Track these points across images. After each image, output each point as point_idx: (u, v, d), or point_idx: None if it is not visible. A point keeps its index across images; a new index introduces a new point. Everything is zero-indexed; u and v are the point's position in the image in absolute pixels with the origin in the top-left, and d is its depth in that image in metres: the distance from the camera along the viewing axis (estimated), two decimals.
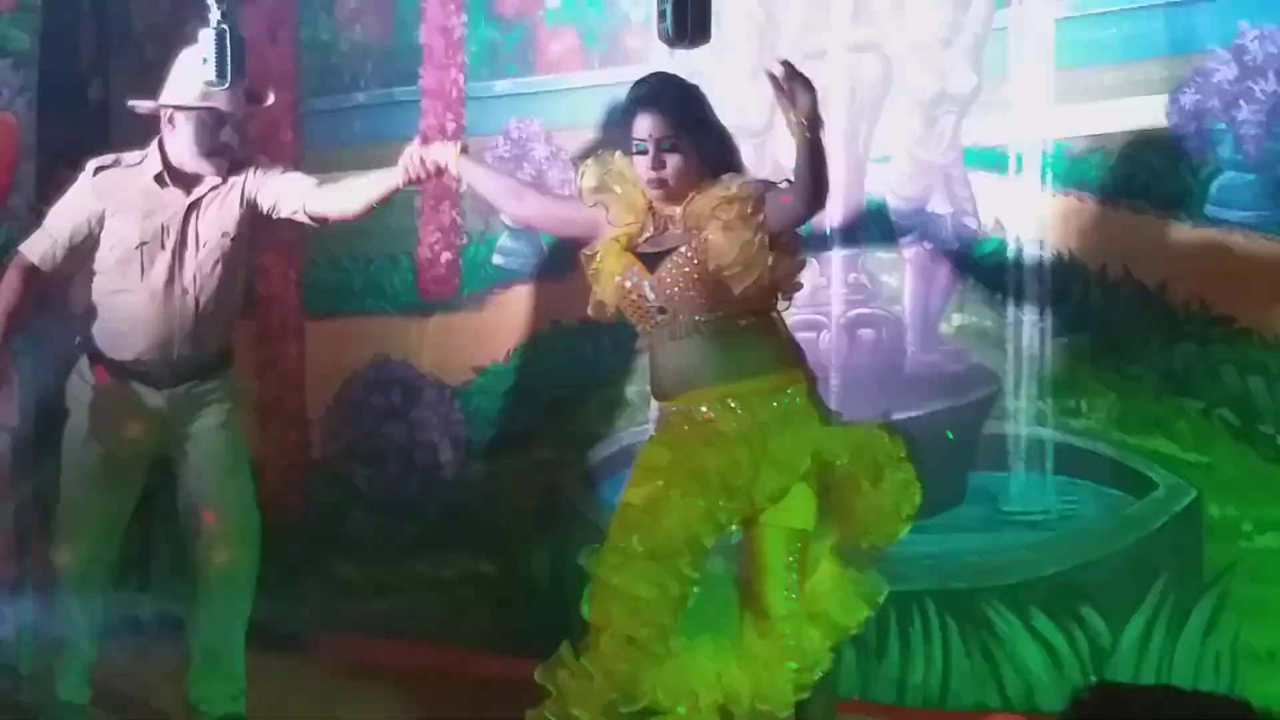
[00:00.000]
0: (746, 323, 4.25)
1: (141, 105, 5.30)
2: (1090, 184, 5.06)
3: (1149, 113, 4.96)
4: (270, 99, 5.40)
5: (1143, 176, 4.97)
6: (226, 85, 5.13)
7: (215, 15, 5.40)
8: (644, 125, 4.27)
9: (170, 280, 5.16)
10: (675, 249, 4.25)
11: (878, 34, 5.44)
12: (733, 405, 4.21)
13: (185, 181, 5.22)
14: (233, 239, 5.21)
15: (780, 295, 4.33)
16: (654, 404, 4.52)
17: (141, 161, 5.23)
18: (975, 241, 5.28)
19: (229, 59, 5.53)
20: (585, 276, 4.41)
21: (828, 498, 4.28)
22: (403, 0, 6.51)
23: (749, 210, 4.17)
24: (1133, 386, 5.00)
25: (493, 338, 6.17)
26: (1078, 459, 5.10)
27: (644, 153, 4.26)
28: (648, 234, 4.36)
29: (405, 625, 6.32)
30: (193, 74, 5.13)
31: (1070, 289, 5.11)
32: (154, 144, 5.24)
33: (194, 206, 5.20)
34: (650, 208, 4.36)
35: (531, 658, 4.28)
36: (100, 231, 5.20)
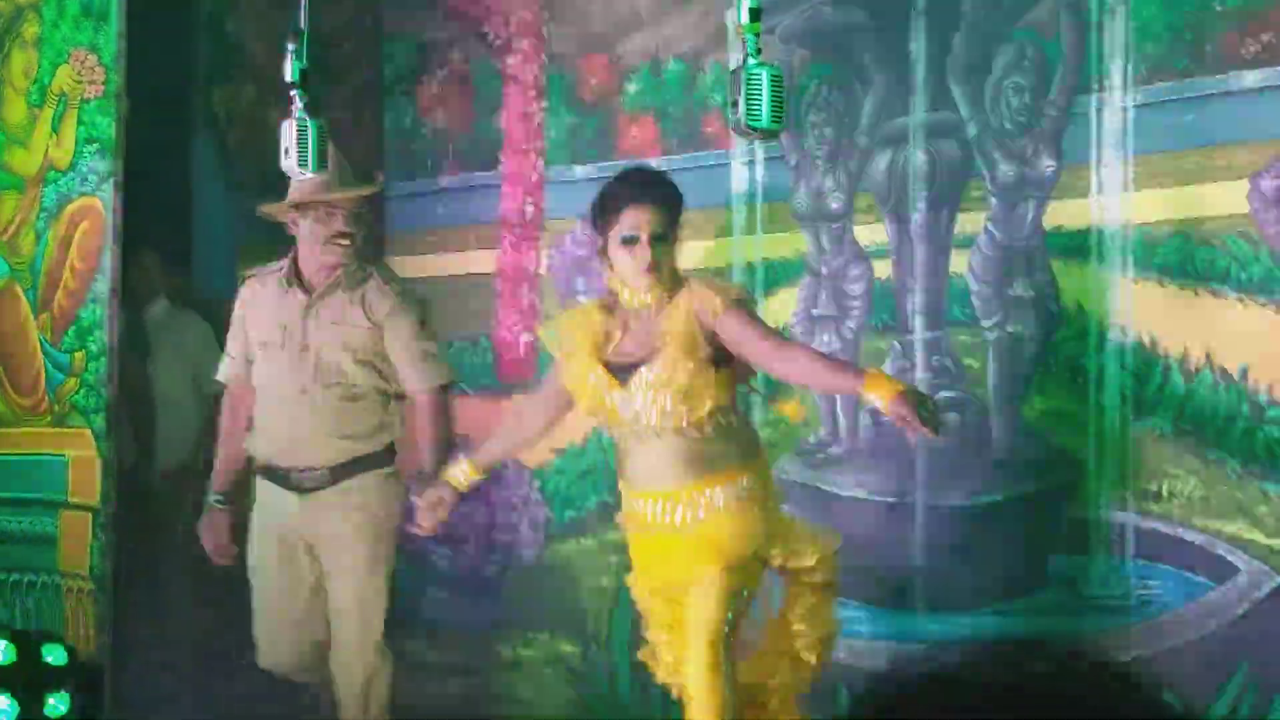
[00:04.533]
0: (710, 428, 4.45)
1: (266, 209, 5.42)
2: (1171, 269, 5.06)
3: (1229, 198, 4.96)
4: (380, 180, 5.47)
5: (1223, 261, 4.97)
6: (308, 174, 5.23)
7: (298, 105, 5.51)
8: (636, 218, 4.43)
9: (291, 381, 5.27)
10: (641, 364, 4.44)
11: (957, 118, 5.48)
12: (688, 501, 4.44)
13: (309, 282, 5.31)
14: (356, 355, 5.28)
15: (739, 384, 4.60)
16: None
17: (280, 268, 5.35)
18: (1057, 326, 5.29)
19: (310, 148, 5.63)
20: None
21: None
22: (483, 86, 6.60)
23: (699, 342, 4.41)
24: (1214, 471, 4.98)
25: (570, 420, 6.19)
26: (1159, 543, 5.08)
27: (633, 243, 4.41)
28: (613, 343, 4.52)
29: (487, 706, 6.33)
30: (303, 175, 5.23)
31: (1151, 373, 5.10)
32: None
33: (309, 306, 5.28)
34: (610, 317, 4.54)
35: None
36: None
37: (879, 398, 4.28)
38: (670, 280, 4.48)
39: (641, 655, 4.77)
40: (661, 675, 4.70)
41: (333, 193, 5.26)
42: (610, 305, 4.56)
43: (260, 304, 5.37)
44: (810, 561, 4.56)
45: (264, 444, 5.33)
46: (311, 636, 5.30)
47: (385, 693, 5.29)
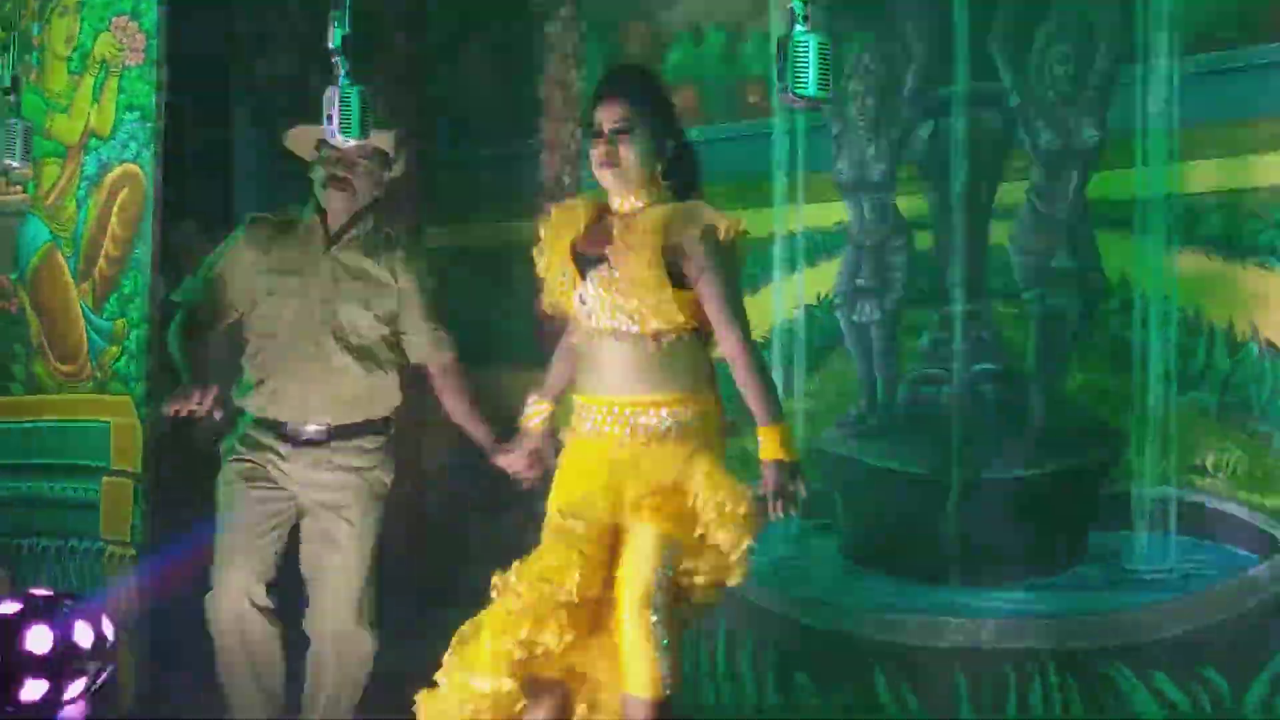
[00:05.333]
0: (657, 345, 4.31)
1: (292, 134, 5.43)
2: (1216, 241, 5.01)
3: (1275, 169, 4.91)
4: (396, 135, 5.41)
5: (1270, 233, 4.92)
6: (352, 141, 5.22)
7: (341, 72, 5.50)
8: (600, 112, 4.35)
9: (306, 333, 5.25)
10: (603, 259, 4.32)
11: (1000, 88, 5.43)
12: (627, 418, 4.30)
13: (331, 229, 5.30)
14: (385, 330, 5.30)
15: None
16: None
17: (293, 218, 5.36)
18: (1100, 298, 5.24)
19: (354, 115, 5.63)
20: None
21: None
22: (523, 55, 6.58)
23: (657, 256, 4.25)
24: (1259, 445, 4.93)
25: None
26: (1202, 518, 5.03)
27: (596, 137, 4.34)
28: (589, 236, 4.41)
29: None
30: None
31: (1196, 346, 5.05)
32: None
33: (334, 256, 5.26)
34: (595, 214, 4.44)
35: None
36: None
37: (765, 451, 4.25)
38: (650, 183, 4.36)
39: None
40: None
41: (338, 138, 5.22)
42: (603, 206, 4.47)
43: (277, 245, 5.30)
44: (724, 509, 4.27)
45: (263, 397, 5.28)
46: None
47: (359, 662, 5.26)
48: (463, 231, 6.79)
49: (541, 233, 4.51)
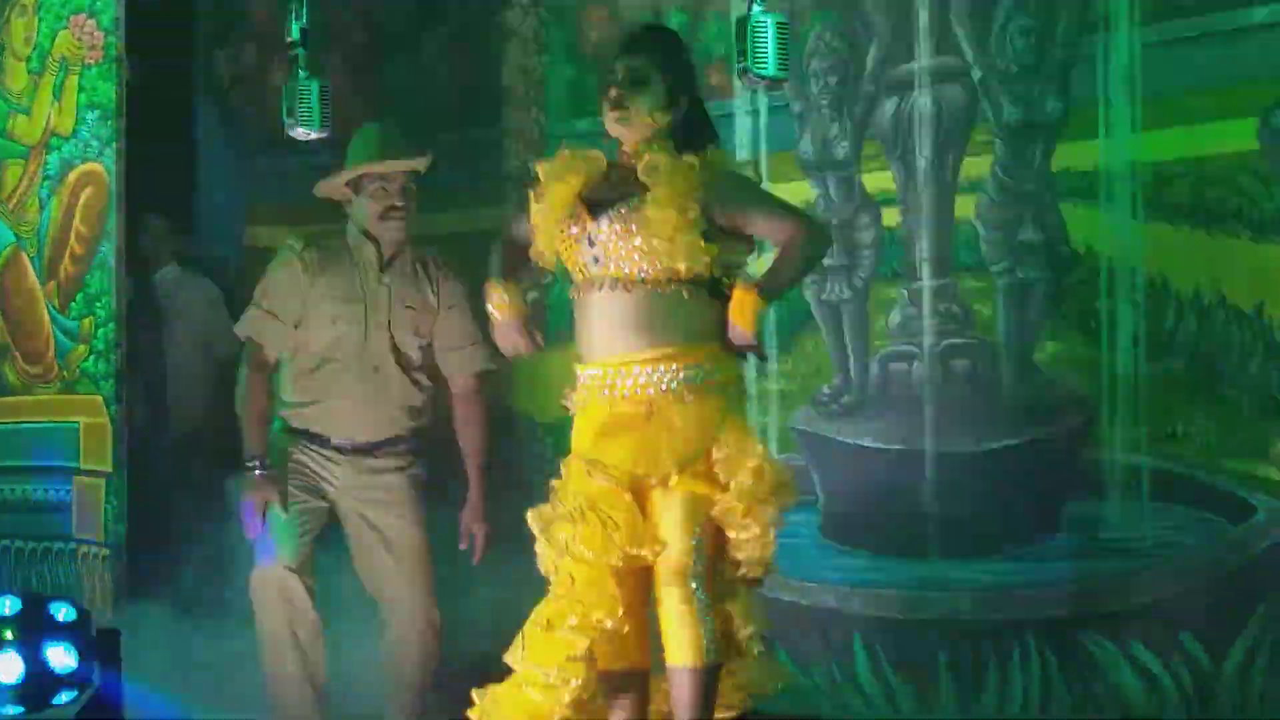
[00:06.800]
0: (673, 290, 4.13)
1: (323, 186, 5.39)
2: (1182, 209, 5.03)
3: (1239, 136, 4.93)
4: (429, 156, 5.39)
5: (1234, 200, 4.94)
6: (314, 134, 5.23)
7: (299, 64, 5.50)
8: (618, 64, 4.24)
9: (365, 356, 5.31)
10: (619, 200, 4.17)
11: (962, 62, 5.44)
12: (638, 373, 4.12)
13: (380, 254, 5.33)
14: (421, 335, 5.37)
15: (726, 275, 4.22)
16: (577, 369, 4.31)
17: (341, 241, 5.35)
18: (1067, 269, 5.26)
19: (313, 107, 5.64)
20: None
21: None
22: (483, 43, 6.57)
23: (691, 197, 4.12)
24: (1229, 411, 4.96)
25: None
26: (1174, 485, 5.06)
27: (612, 86, 4.22)
28: (603, 182, 4.25)
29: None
30: (359, 149, 5.28)
31: (1164, 314, 5.08)
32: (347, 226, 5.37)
33: (388, 285, 5.32)
34: (603, 165, 4.27)
35: None
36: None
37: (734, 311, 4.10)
38: (659, 136, 4.21)
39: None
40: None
41: (386, 164, 5.25)
42: (609, 162, 4.30)
43: (329, 273, 5.30)
44: (746, 473, 4.14)
45: (316, 413, 5.33)
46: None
47: (437, 649, 5.34)
48: (426, 220, 6.76)
49: (541, 175, 4.31)
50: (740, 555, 4.18)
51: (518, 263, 4.42)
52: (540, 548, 4.20)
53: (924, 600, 5.46)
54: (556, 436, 6.26)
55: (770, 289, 4.15)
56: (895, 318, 5.57)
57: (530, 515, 4.24)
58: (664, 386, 4.12)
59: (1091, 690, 5.16)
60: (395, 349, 5.32)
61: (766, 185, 5.70)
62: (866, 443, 5.64)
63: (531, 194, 4.32)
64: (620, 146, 4.28)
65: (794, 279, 4.32)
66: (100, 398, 6.49)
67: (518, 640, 4.19)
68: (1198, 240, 5.01)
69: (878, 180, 5.63)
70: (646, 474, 4.12)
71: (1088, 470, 5.21)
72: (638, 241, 4.11)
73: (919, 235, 5.52)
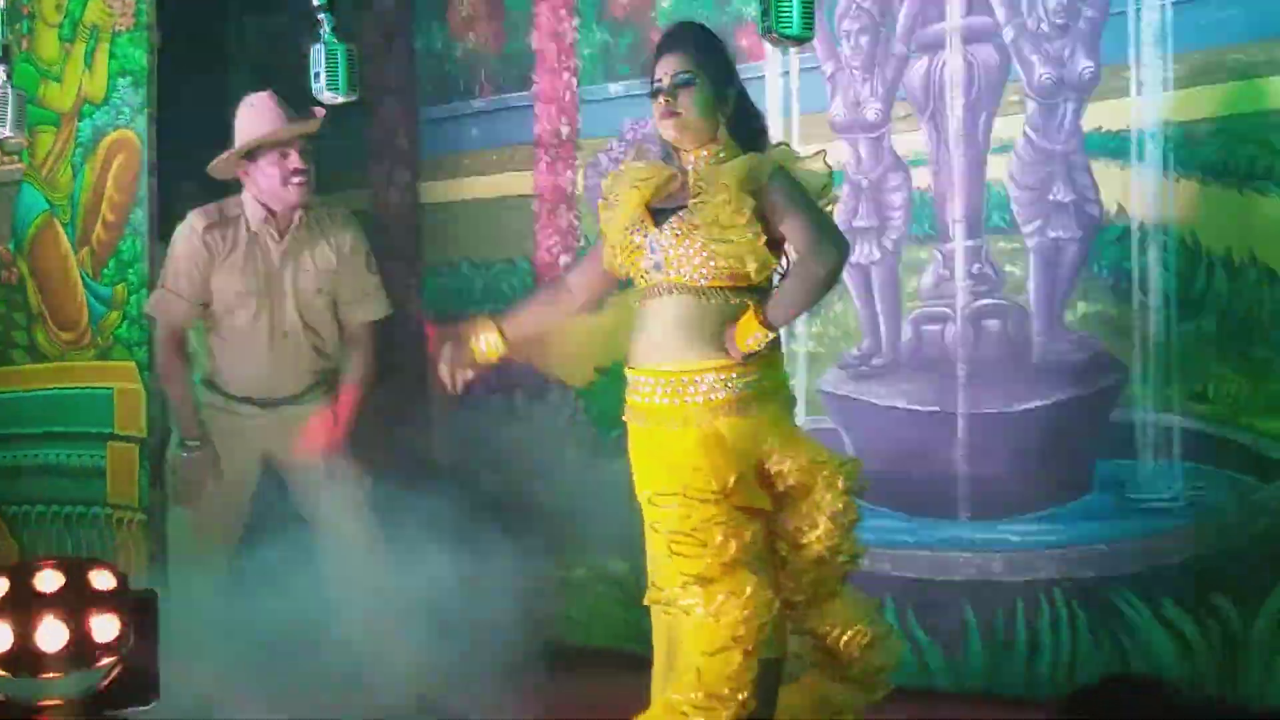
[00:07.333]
0: (728, 297, 4.13)
1: (216, 165, 5.51)
2: (1213, 167, 5.02)
3: (1271, 94, 4.91)
4: (320, 113, 5.49)
5: (1265, 158, 4.93)
6: (341, 98, 5.29)
7: (326, 29, 5.51)
8: (661, 67, 4.23)
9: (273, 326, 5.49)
10: (680, 206, 4.18)
11: (993, 22, 5.43)
12: (687, 382, 4.11)
13: (280, 225, 5.46)
14: (325, 293, 5.54)
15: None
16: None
17: (237, 214, 5.46)
18: (1098, 229, 5.25)
19: (340, 71, 5.65)
20: None
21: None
22: (514, 6, 6.58)
23: (744, 196, 4.10)
24: (1260, 370, 4.95)
25: (613, 337, 6.19)
26: (1205, 444, 5.05)
27: (657, 93, 4.21)
28: (666, 191, 4.25)
29: (538, 627, 6.35)
30: (252, 120, 5.40)
31: (1195, 274, 5.07)
32: (242, 196, 5.48)
33: (287, 253, 5.46)
34: (668, 173, 4.26)
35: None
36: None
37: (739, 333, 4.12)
38: (715, 133, 4.21)
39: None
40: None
41: (281, 132, 5.36)
42: (673, 170, 4.29)
43: (229, 251, 5.44)
44: (824, 485, 4.16)
45: (232, 381, 5.54)
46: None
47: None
48: (456, 186, 6.80)
49: (609, 185, 4.35)
50: (828, 555, 4.18)
51: (541, 317, 4.56)
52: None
53: (954, 561, 5.48)
54: (587, 400, 6.31)
55: (775, 322, 4.12)
56: (928, 279, 5.57)
57: (659, 583, 4.12)
58: (716, 395, 4.11)
59: (1122, 650, 5.16)
60: (302, 315, 5.50)
61: (798, 146, 5.77)
62: (899, 404, 5.64)
63: (600, 204, 4.37)
64: (677, 151, 4.27)
65: (801, 308, 4.27)
66: (134, 364, 6.52)
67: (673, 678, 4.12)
68: (1229, 199, 4.99)
69: (909, 141, 5.63)
70: (716, 488, 4.05)
71: (1118, 430, 5.20)
72: (698, 244, 4.11)
73: (950, 196, 5.52)
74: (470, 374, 4.51)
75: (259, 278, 5.44)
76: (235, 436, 5.51)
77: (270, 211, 5.42)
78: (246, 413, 5.52)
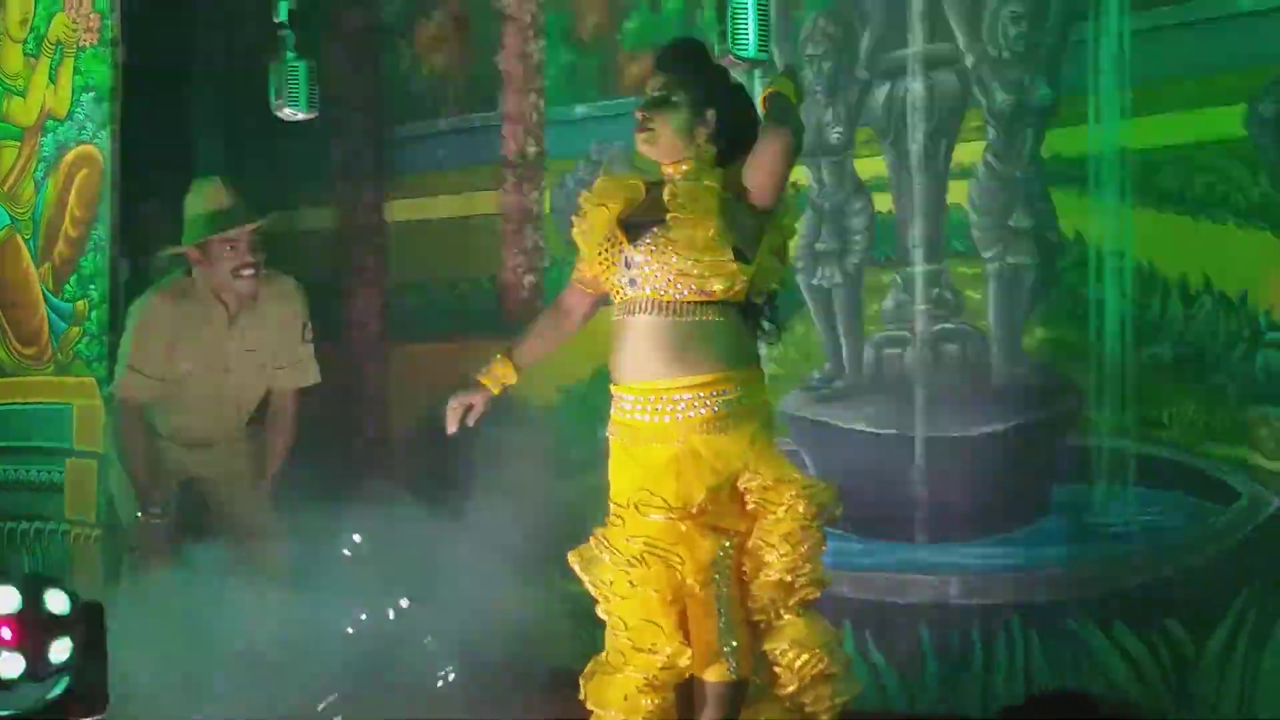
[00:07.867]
0: (705, 315, 4.15)
1: (172, 253, 5.73)
2: (1169, 195, 5.05)
3: (1227, 123, 4.95)
4: (263, 222, 5.65)
5: (1222, 186, 4.96)
6: (301, 114, 5.37)
7: (288, 46, 5.54)
8: (649, 82, 4.29)
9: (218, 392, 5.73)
10: (654, 223, 4.18)
11: (955, 49, 5.47)
12: (666, 399, 4.13)
13: (228, 307, 5.66)
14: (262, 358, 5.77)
15: (754, 295, 4.25)
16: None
17: (184, 290, 5.67)
18: (1056, 255, 5.28)
19: (301, 88, 5.69)
20: None
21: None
22: (481, 27, 6.59)
23: (714, 215, 4.10)
24: (1215, 396, 4.98)
25: (575, 357, 6.20)
26: (1161, 470, 5.08)
27: (640, 108, 4.27)
28: (641, 205, 4.27)
29: (500, 647, 6.33)
30: (204, 216, 5.59)
31: (1151, 300, 5.09)
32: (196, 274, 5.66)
33: (234, 325, 5.67)
34: (645, 188, 4.29)
35: None
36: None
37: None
38: (688, 151, 4.21)
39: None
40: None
41: (229, 230, 5.52)
42: (652, 183, 4.32)
43: (183, 328, 5.65)
44: (785, 507, 4.18)
45: (160, 423, 5.75)
46: None
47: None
48: (422, 205, 6.81)
49: (582, 201, 4.36)
50: (788, 577, 4.21)
51: (546, 342, 4.57)
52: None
53: (912, 584, 5.49)
54: (548, 417, 6.31)
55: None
56: (888, 303, 5.60)
57: (571, 557, 4.32)
58: (695, 412, 4.13)
59: (1078, 673, 5.18)
60: (247, 380, 5.77)
61: None
62: (859, 427, 5.66)
63: (574, 219, 4.39)
64: (661, 169, 4.30)
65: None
66: (94, 379, 6.51)
67: (581, 684, 4.28)
68: (1185, 227, 5.03)
69: (870, 166, 5.66)
70: (681, 508, 4.11)
71: (1075, 455, 5.23)
72: (673, 261, 4.12)
73: (911, 221, 5.55)
74: (482, 410, 4.49)
75: (207, 349, 5.64)
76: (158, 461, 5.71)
77: (222, 301, 5.63)
78: (183, 447, 5.76)
